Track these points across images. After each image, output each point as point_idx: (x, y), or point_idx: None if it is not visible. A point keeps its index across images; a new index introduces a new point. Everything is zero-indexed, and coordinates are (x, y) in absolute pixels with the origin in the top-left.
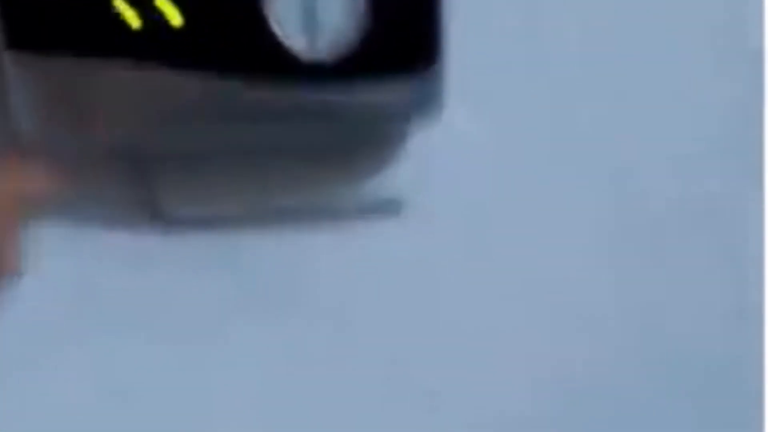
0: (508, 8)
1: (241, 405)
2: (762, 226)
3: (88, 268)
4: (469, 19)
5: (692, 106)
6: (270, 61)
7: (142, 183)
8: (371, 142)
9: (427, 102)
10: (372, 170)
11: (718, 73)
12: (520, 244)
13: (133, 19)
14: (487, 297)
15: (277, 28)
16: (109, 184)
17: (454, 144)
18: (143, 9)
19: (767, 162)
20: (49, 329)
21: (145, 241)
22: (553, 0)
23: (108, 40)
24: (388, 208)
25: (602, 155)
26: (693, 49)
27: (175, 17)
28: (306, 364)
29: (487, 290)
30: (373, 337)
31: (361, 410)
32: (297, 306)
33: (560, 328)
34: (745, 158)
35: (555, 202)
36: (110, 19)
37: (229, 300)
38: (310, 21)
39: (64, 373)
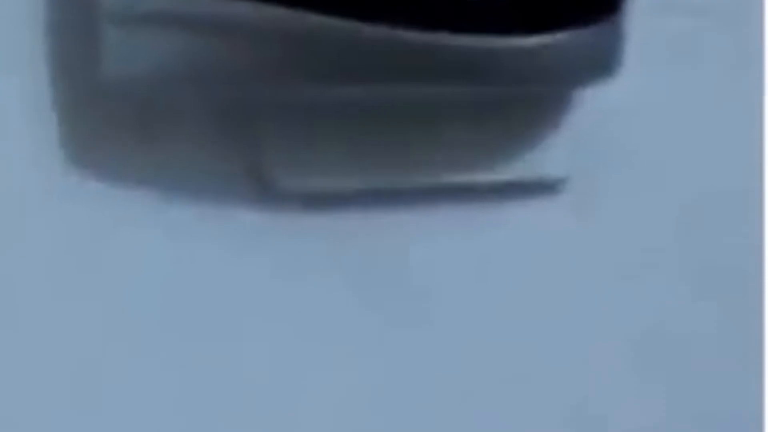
0: None
1: (340, 386)
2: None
3: (185, 242)
4: None
5: None
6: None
7: (250, 150)
8: (523, 110)
9: (601, 60)
10: (524, 144)
11: None
12: (686, 234)
13: None
14: (646, 290)
15: None
16: (211, 149)
17: (626, 114)
18: None
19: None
20: (143, 305)
21: (250, 216)
22: None
23: None
24: (544, 186)
25: None
26: None
27: None
28: (423, 361)
29: (648, 282)
30: (511, 335)
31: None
32: (425, 303)
33: None
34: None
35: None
36: None
37: (341, 293)
38: None
39: (160, 353)
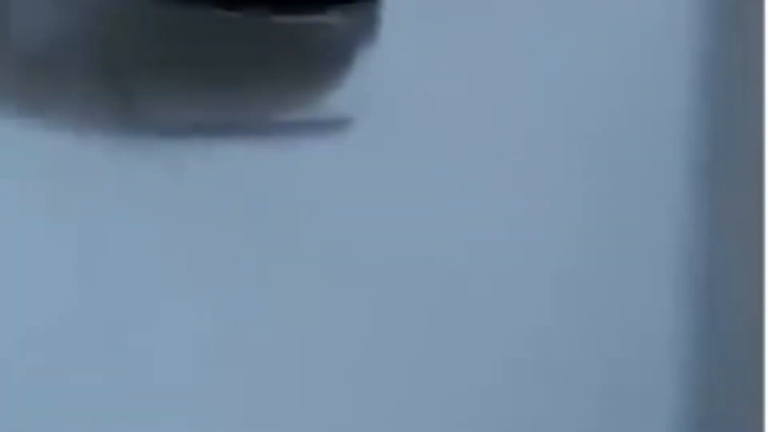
0: None
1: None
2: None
3: (68, 165)
4: None
5: None
6: None
7: (121, 91)
8: (321, 63)
9: (367, 27)
10: (321, 89)
11: None
12: (456, 164)
13: None
14: (425, 214)
15: None
16: (92, 94)
17: (393, 66)
18: None
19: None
20: (32, 224)
21: (126, 144)
22: None
23: None
24: (334, 125)
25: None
26: None
27: None
28: (240, 267)
29: (425, 208)
30: (310, 250)
31: (288, 317)
32: (240, 213)
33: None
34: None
35: (490, 119)
36: None
37: (195, 202)
38: None
39: (50, 255)
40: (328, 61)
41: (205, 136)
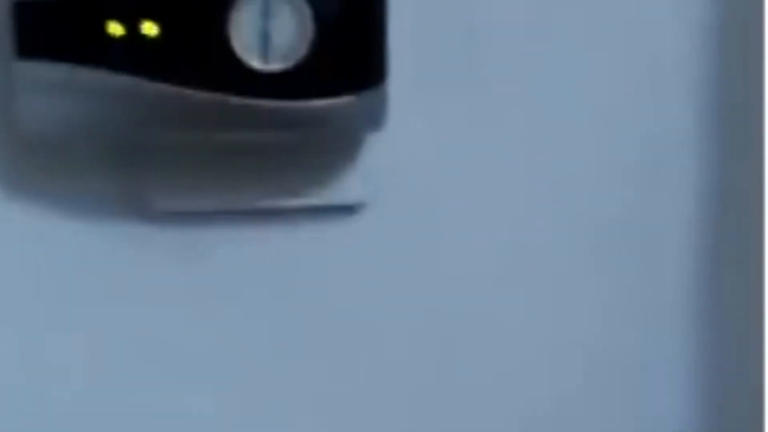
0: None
1: (208, 380)
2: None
3: (80, 252)
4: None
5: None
6: (230, 73)
7: (131, 177)
8: (330, 149)
9: (374, 113)
10: (331, 174)
11: None
12: (463, 250)
13: (117, 30)
14: (438, 300)
15: (237, 47)
16: (98, 178)
17: (402, 151)
18: (128, 24)
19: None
20: (39, 313)
21: (133, 231)
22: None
23: (96, 50)
24: (344, 210)
25: (548, 163)
26: None
27: (152, 30)
28: (267, 348)
29: (438, 295)
30: (322, 327)
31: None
32: (254, 296)
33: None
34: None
35: (496, 206)
36: (99, 32)
37: (203, 289)
38: (264, 42)
39: (60, 343)
40: (337, 146)
41: (215, 224)
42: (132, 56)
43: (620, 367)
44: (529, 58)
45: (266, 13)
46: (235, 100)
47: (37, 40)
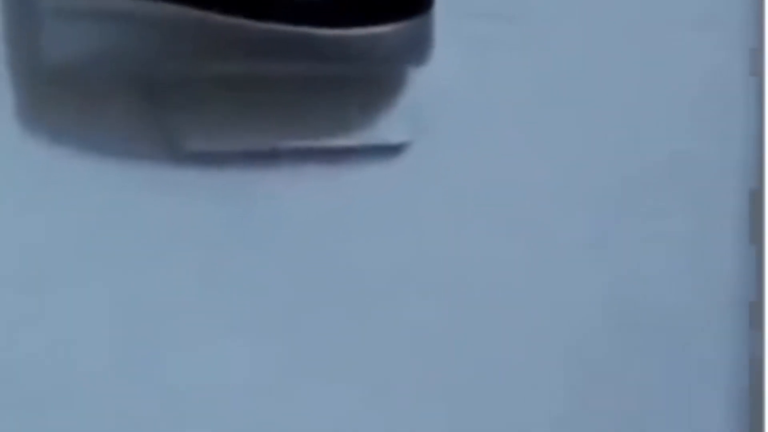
0: None
1: (242, 334)
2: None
3: (104, 196)
4: None
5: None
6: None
7: (163, 116)
8: (372, 84)
9: (418, 45)
10: (373, 112)
11: None
12: (509, 188)
13: None
14: (474, 238)
15: None
16: (125, 115)
17: (448, 87)
18: None
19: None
20: (65, 255)
21: (159, 171)
22: None
23: None
24: (386, 151)
25: (595, 100)
26: None
27: None
28: (295, 297)
29: (475, 232)
30: (362, 278)
31: (348, 347)
32: (298, 241)
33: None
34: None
35: (543, 144)
36: None
37: (236, 234)
38: None
39: (82, 300)
40: (379, 81)
41: (248, 165)
42: None
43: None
44: None
45: None
46: (272, 27)
47: None
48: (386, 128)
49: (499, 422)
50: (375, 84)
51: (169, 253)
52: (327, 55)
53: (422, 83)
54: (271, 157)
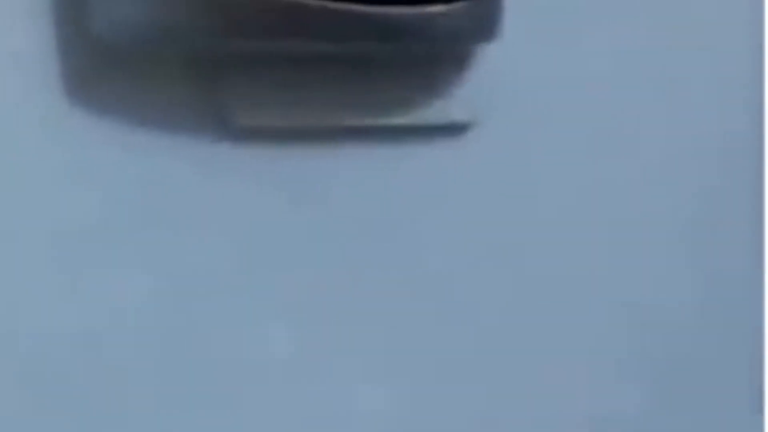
0: None
1: (290, 314)
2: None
3: (156, 170)
4: None
5: None
6: None
7: (213, 91)
8: (436, 62)
9: (487, 21)
10: (438, 92)
11: None
12: (578, 169)
13: None
14: (539, 220)
15: None
16: (180, 91)
17: (515, 65)
18: None
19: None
20: (116, 230)
21: (212, 148)
22: None
23: None
24: (450, 130)
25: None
26: None
27: None
28: (358, 279)
29: (540, 213)
30: (429, 256)
31: (407, 321)
32: (355, 223)
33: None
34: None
35: (614, 124)
36: None
37: (289, 213)
38: None
39: (128, 273)
40: (443, 59)
41: (303, 143)
42: None
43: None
44: None
45: None
46: (334, 4)
47: None
48: (451, 107)
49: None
50: (440, 62)
51: (219, 232)
52: (390, 34)
53: (489, 60)
54: (329, 135)
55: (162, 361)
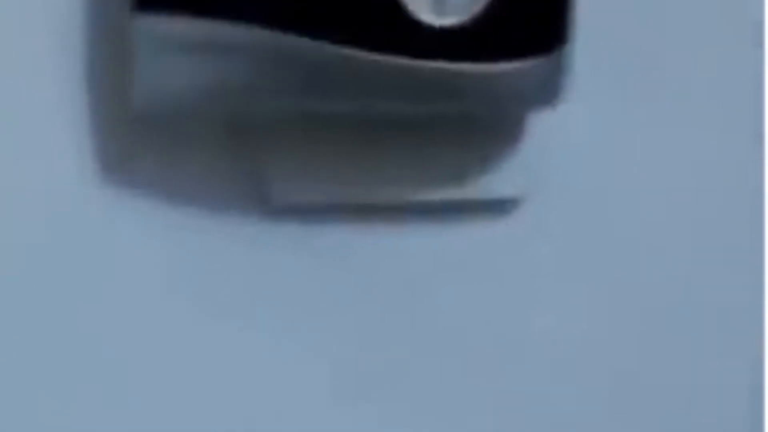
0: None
1: (332, 393)
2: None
3: (193, 247)
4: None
5: None
6: (392, 26)
7: (253, 165)
8: (487, 132)
9: (548, 85)
10: (487, 164)
11: None
12: (629, 252)
13: None
14: (586, 303)
15: None
16: (218, 163)
17: (572, 140)
18: None
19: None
20: (152, 305)
21: (252, 225)
22: None
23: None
24: (501, 205)
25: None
26: None
27: None
28: (397, 358)
29: (588, 296)
30: (472, 338)
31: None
32: (396, 301)
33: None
34: None
35: (666, 207)
36: None
37: (330, 292)
38: None
39: (167, 355)
40: (497, 126)
41: (344, 218)
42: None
43: None
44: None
45: None
46: (383, 60)
47: None
48: (501, 181)
49: None
50: (492, 130)
51: (258, 312)
52: (440, 94)
53: (544, 131)
54: (371, 211)
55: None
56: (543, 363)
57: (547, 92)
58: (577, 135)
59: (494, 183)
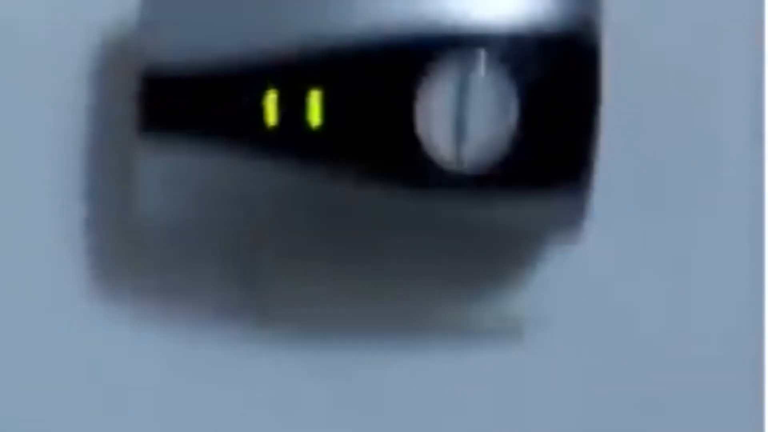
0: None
1: None
2: None
3: (191, 359)
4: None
5: None
6: (411, 168)
7: (252, 279)
8: (498, 261)
9: (570, 220)
10: (496, 291)
11: None
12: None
13: (270, 115)
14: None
15: (423, 136)
16: (217, 281)
17: (589, 272)
18: (286, 106)
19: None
20: (143, 408)
21: (252, 345)
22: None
23: (240, 132)
24: (508, 333)
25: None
26: None
27: (315, 117)
28: None
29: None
30: None
31: None
32: (395, 427)
33: None
34: None
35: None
36: (245, 113)
37: (328, 410)
38: (459, 131)
39: None
40: (508, 259)
41: (348, 337)
42: (284, 141)
43: None
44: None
45: (463, 92)
46: (396, 194)
47: (167, 115)
48: (514, 305)
49: None
50: (504, 261)
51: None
52: (456, 230)
53: (561, 265)
54: (372, 336)
55: None
56: None
57: (569, 230)
58: (600, 272)
59: (506, 306)
